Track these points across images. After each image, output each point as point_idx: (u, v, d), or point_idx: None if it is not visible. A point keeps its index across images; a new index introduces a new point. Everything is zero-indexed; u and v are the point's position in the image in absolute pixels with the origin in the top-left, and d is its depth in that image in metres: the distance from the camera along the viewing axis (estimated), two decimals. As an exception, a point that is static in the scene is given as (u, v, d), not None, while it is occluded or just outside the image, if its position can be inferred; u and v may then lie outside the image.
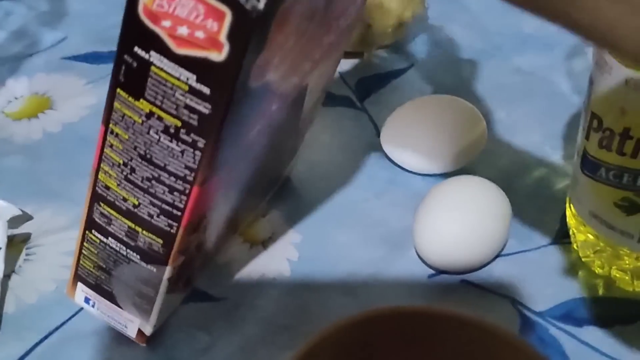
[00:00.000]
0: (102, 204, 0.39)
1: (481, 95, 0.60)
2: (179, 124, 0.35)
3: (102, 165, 0.38)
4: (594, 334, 0.44)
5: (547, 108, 0.59)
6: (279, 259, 0.49)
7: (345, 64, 0.62)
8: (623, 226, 0.43)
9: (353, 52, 0.62)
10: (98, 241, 0.40)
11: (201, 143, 0.35)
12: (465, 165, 0.53)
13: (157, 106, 0.35)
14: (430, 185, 0.50)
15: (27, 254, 0.49)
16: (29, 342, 0.44)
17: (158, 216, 0.38)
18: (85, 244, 0.40)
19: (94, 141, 0.57)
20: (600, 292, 0.46)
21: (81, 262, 0.41)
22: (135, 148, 0.36)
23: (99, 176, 0.38)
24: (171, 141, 0.35)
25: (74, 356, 0.44)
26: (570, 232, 0.48)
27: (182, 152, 0.36)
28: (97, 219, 0.39)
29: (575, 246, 0.48)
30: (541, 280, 0.47)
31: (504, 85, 0.61)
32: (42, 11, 0.72)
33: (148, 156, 0.36)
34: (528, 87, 0.61)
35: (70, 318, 0.45)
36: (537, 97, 0.60)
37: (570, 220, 0.48)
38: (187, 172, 0.36)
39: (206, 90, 0.34)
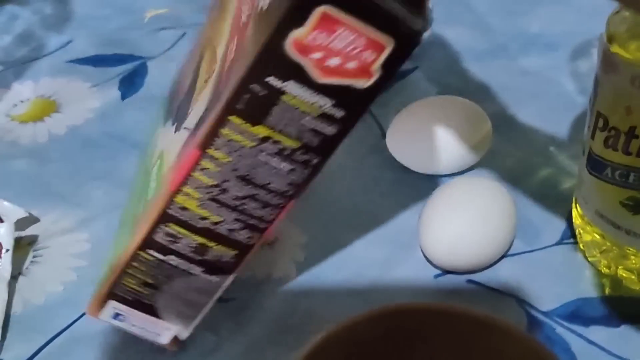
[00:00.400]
0: (170, 225, 0.37)
1: (486, 96, 0.60)
2: (297, 145, 0.34)
3: (183, 188, 0.36)
4: (601, 334, 0.44)
5: (553, 108, 0.59)
6: (285, 260, 0.49)
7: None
8: (629, 226, 0.43)
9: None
10: (152, 259, 0.38)
11: (315, 160, 0.35)
12: (471, 166, 0.53)
13: (277, 131, 0.34)
14: (435, 186, 0.50)
15: (34, 256, 0.49)
16: (37, 343, 0.44)
17: (240, 230, 0.37)
18: (133, 263, 0.38)
19: (99, 144, 0.58)
20: (607, 291, 0.46)
21: (123, 280, 0.39)
22: (234, 170, 0.35)
23: (176, 198, 0.36)
24: (282, 162, 0.35)
25: (81, 357, 0.44)
26: (577, 232, 0.48)
27: (292, 170, 0.35)
28: (159, 239, 0.38)
29: (581, 246, 0.48)
30: (547, 280, 0.47)
31: (509, 85, 0.61)
32: (47, 15, 0.73)
33: (248, 177, 0.35)
34: (533, 88, 0.61)
35: (77, 319, 0.45)
36: (542, 97, 0.60)
37: (576, 220, 0.48)
38: (289, 187, 0.36)
39: (340, 114, 0.33)
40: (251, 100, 0.33)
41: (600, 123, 0.43)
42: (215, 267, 0.38)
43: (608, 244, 0.45)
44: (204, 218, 0.37)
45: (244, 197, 0.36)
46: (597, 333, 0.44)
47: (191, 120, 0.38)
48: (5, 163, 0.57)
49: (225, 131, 0.34)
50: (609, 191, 0.43)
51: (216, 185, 0.36)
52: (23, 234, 0.50)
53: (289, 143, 0.34)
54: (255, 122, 0.34)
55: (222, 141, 0.34)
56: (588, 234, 0.46)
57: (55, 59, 0.67)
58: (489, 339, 0.34)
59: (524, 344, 0.33)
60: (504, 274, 0.47)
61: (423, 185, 0.53)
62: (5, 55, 0.68)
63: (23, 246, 0.50)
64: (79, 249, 0.50)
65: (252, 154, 0.35)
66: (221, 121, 0.34)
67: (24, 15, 0.72)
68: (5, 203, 0.51)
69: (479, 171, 0.54)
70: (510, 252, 0.48)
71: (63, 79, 0.65)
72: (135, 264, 0.38)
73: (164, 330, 0.41)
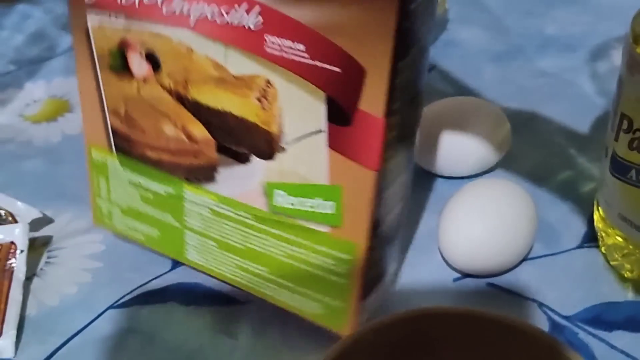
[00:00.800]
0: (383, 196, 0.38)
1: (504, 97, 0.59)
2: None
3: (383, 156, 0.37)
4: (624, 339, 0.43)
5: (572, 110, 0.58)
6: (302, 262, 0.48)
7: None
8: (653, 229, 0.43)
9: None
10: (381, 235, 0.40)
11: (432, 23, 0.37)
12: (490, 168, 0.53)
13: (418, 37, 0.36)
14: (454, 188, 0.49)
15: (48, 257, 0.49)
16: (51, 345, 0.44)
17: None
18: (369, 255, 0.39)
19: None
20: (630, 295, 0.45)
21: (367, 278, 0.40)
22: (407, 100, 0.37)
23: (383, 171, 0.37)
24: (422, 58, 0.37)
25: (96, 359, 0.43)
26: (598, 235, 0.47)
27: (424, 54, 0.37)
28: (379, 216, 0.39)
29: (603, 249, 0.47)
30: (569, 284, 0.46)
31: (527, 87, 0.60)
32: (59, 14, 0.72)
33: (412, 96, 0.37)
34: (551, 89, 0.60)
35: (92, 321, 0.45)
36: (561, 99, 0.59)
37: (598, 223, 0.47)
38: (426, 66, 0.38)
39: None
40: (401, 35, 0.34)
41: (625, 125, 0.42)
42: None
43: (631, 247, 0.45)
44: (393, 157, 0.38)
45: (410, 114, 0.38)
46: (620, 338, 0.43)
47: (299, 128, 0.38)
48: (18, 163, 0.56)
49: (399, 79, 0.35)
50: (633, 194, 0.43)
51: (400, 127, 0.37)
52: (37, 234, 0.50)
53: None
54: (412, 46, 0.35)
55: (398, 91, 0.36)
56: (610, 237, 0.46)
57: (68, 58, 0.67)
58: (511, 342, 0.34)
59: (547, 346, 0.33)
60: (524, 277, 0.46)
61: (441, 187, 0.52)
62: (18, 55, 0.67)
63: (37, 247, 0.49)
64: (94, 250, 0.49)
65: (411, 74, 0.36)
66: (393, 76, 0.35)
67: (35, 15, 0.72)
68: (20, 203, 0.50)
69: (498, 173, 0.53)
70: (531, 255, 0.48)
71: (76, 79, 0.64)
72: (369, 255, 0.39)
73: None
